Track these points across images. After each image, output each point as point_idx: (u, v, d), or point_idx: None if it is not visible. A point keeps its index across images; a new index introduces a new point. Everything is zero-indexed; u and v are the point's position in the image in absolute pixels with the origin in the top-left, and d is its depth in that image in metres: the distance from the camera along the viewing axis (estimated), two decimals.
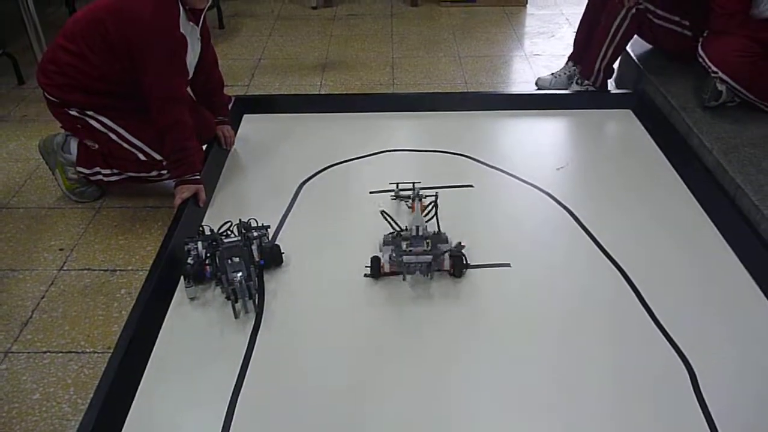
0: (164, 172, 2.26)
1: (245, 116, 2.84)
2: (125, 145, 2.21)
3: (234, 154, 2.58)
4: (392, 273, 1.91)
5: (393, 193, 2.27)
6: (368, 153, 2.55)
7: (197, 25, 2.23)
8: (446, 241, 1.95)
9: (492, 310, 1.82)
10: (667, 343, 1.71)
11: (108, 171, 2.30)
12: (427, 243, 1.88)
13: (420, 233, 1.91)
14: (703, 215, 2.21)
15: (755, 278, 1.93)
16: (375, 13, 4.37)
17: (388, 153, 2.55)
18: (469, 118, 2.67)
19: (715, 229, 2.14)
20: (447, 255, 1.91)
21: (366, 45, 3.83)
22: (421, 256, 1.87)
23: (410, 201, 2.18)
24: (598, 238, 2.09)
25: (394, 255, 1.88)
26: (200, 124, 2.31)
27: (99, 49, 2.07)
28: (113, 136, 2.20)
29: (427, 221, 1.99)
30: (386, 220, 2.06)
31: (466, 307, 1.83)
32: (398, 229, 1.98)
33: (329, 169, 2.46)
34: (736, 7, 2.50)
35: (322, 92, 3.24)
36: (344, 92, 3.22)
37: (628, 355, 1.68)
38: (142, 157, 2.23)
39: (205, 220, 2.17)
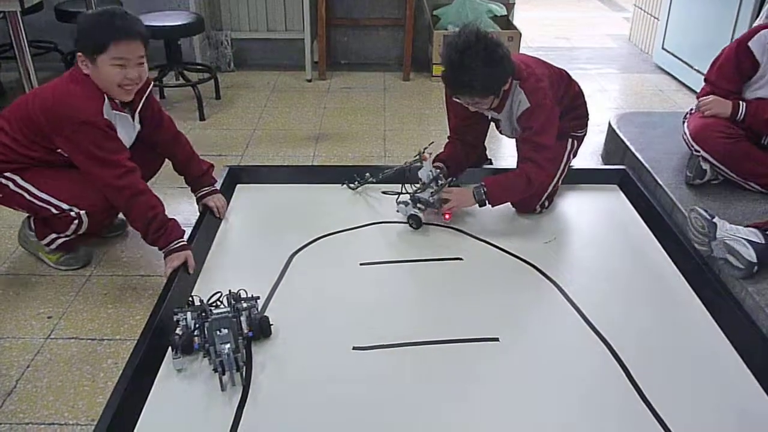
0: (77, 222, 2.23)
1: (238, 186, 2.88)
2: (38, 203, 2.20)
3: (226, 223, 2.60)
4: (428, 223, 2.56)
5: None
6: (359, 225, 2.58)
7: (128, 113, 2.24)
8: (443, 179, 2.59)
9: (480, 386, 1.82)
10: (654, 419, 1.71)
11: (54, 234, 2.30)
12: (438, 183, 2.54)
13: (432, 177, 2.54)
14: (689, 291, 2.23)
15: (741, 354, 1.95)
16: (368, 86, 4.49)
17: (378, 225, 2.58)
18: None
19: (701, 304, 2.17)
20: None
21: (359, 117, 3.93)
22: (434, 195, 2.53)
23: (421, 154, 2.61)
24: (584, 312, 2.10)
25: (419, 203, 2.53)
26: (143, 165, 2.27)
27: (35, 139, 2.14)
28: (27, 196, 2.20)
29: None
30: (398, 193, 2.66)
31: (455, 383, 1.83)
32: (408, 192, 2.60)
33: (320, 240, 2.48)
34: (730, 87, 2.60)
35: (315, 163, 3.30)
36: (336, 164, 3.28)
37: None
38: (54, 211, 2.21)
39: (195, 289, 2.17)
